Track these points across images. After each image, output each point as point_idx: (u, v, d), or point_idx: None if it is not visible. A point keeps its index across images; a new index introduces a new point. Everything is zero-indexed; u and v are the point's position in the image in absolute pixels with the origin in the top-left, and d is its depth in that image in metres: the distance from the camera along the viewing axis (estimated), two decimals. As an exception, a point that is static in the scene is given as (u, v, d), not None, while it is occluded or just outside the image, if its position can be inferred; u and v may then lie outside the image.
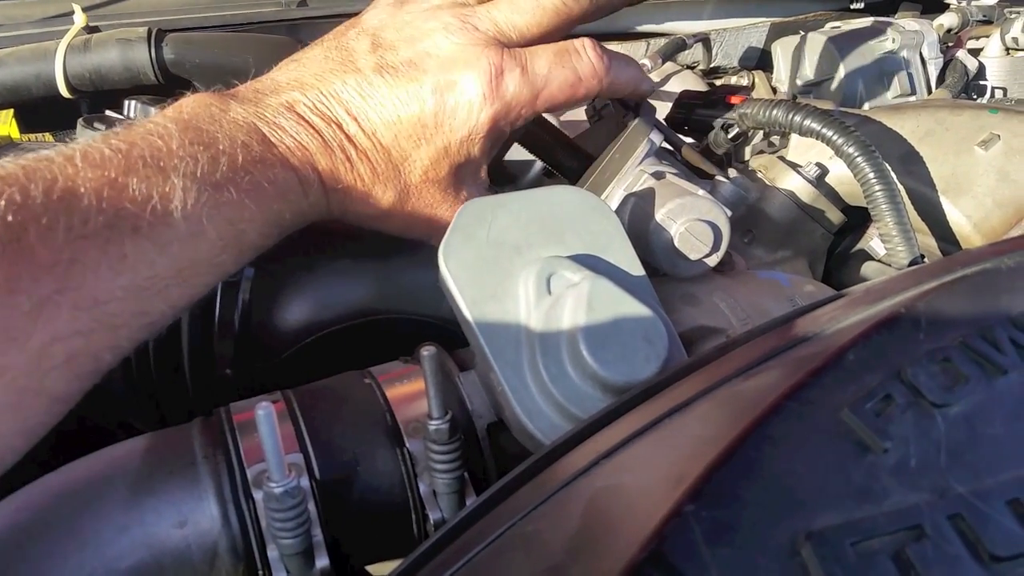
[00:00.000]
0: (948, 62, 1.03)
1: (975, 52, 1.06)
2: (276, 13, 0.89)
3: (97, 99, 0.73)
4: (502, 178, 0.73)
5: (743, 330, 0.44)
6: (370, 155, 0.46)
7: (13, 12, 0.88)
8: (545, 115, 0.63)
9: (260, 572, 0.37)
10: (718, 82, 1.13)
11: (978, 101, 1.02)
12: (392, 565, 0.41)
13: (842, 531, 0.21)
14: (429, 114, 0.45)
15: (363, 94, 0.45)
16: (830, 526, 0.21)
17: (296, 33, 0.91)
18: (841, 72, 0.96)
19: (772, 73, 1.07)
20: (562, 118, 0.83)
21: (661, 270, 0.49)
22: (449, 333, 0.47)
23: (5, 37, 0.79)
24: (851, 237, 0.67)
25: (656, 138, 0.52)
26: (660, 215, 0.48)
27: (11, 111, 0.78)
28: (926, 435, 0.24)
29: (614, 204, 0.51)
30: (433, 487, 0.39)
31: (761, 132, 0.66)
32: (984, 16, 1.09)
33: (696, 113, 0.65)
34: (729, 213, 0.48)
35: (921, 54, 1.00)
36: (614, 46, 1.05)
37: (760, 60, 1.13)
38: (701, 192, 0.48)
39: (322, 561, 0.36)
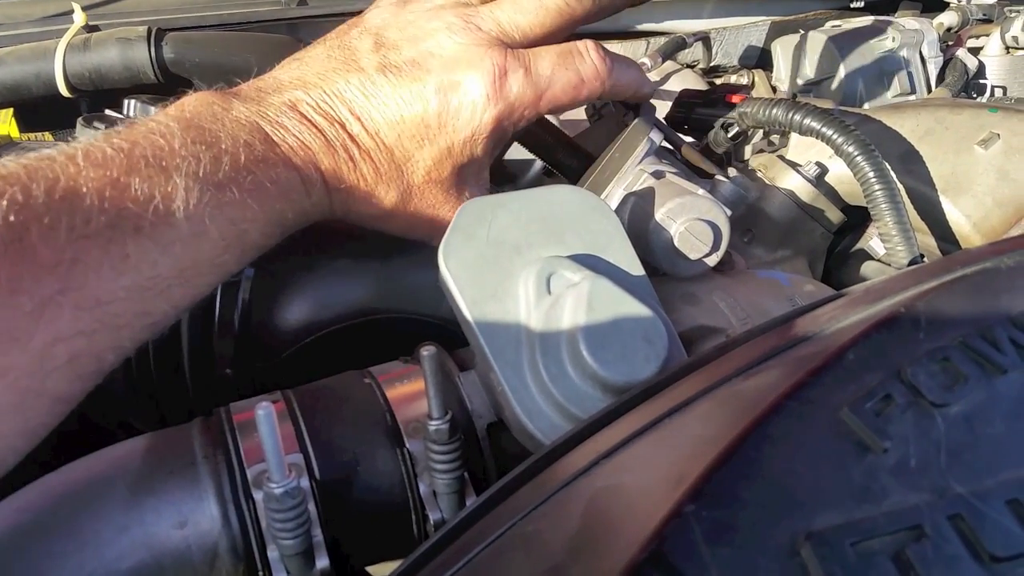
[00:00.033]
0: (948, 61, 1.03)
1: (975, 51, 1.06)
2: (276, 12, 0.89)
3: (97, 98, 0.73)
4: (502, 177, 0.73)
5: (743, 330, 0.44)
6: (373, 155, 0.46)
7: (12, 11, 0.88)
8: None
9: (260, 572, 0.37)
10: (718, 81, 1.13)
11: (978, 100, 1.03)
12: (392, 566, 0.41)
13: (842, 531, 0.21)
14: (432, 114, 0.45)
15: (366, 93, 0.45)
16: (830, 526, 0.21)
17: (295, 32, 0.91)
18: (841, 71, 0.96)
19: (772, 72, 1.07)
20: (562, 117, 0.82)
21: (661, 269, 0.49)
22: (449, 333, 0.47)
23: (5, 36, 0.79)
24: (851, 236, 0.67)
25: (656, 137, 0.52)
26: (660, 214, 0.48)
27: (11, 110, 0.78)
28: (926, 435, 0.24)
29: (614, 203, 0.51)
30: (433, 487, 0.39)
31: (761, 131, 0.66)
32: (984, 15, 1.09)
33: (696, 112, 0.65)
34: (729, 212, 0.48)
35: (921, 53, 1.00)
36: (614, 45, 1.05)
37: (760, 59, 1.13)
38: (701, 191, 0.48)
39: (322, 561, 0.36)
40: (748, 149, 0.71)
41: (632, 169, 0.52)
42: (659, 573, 0.21)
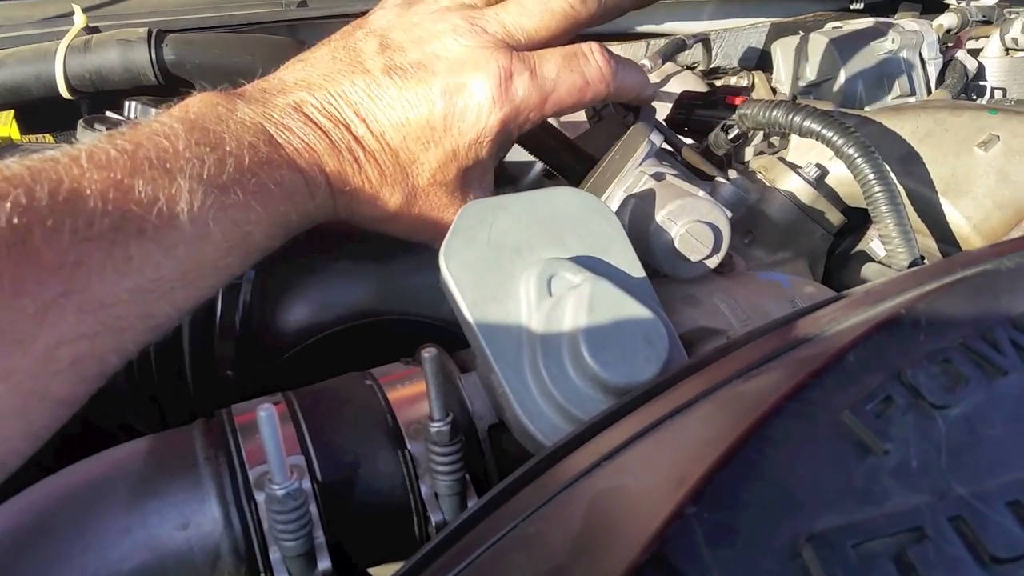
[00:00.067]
0: (948, 62, 1.03)
1: (975, 52, 1.06)
2: (276, 14, 0.89)
3: (97, 100, 0.73)
4: (502, 179, 0.73)
5: (743, 331, 0.44)
6: (378, 157, 0.46)
7: (13, 13, 0.88)
8: (545, 116, 0.63)
9: (262, 574, 0.37)
10: (718, 83, 1.13)
11: (978, 102, 1.03)
12: (394, 567, 0.41)
13: (843, 533, 0.21)
14: (438, 116, 0.45)
15: (372, 95, 0.45)
16: (831, 528, 0.21)
17: (296, 34, 0.91)
18: (841, 73, 0.96)
19: (772, 74, 1.07)
20: (562, 119, 0.83)
21: (661, 271, 0.49)
22: (450, 334, 0.47)
23: (5, 38, 0.79)
24: (851, 238, 0.67)
25: (656, 139, 0.53)
26: (660, 216, 0.48)
27: (12, 112, 0.78)
28: (926, 436, 0.24)
29: (614, 205, 0.51)
30: (434, 489, 0.39)
31: (761, 133, 0.67)
32: (984, 16, 1.10)
33: (696, 114, 0.65)
34: (729, 214, 0.48)
35: (921, 55, 1.01)
36: (614, 47, 1.05)
37: (760, 60, 1.13)
38: (701, 193, 0.48)
39: (324, 563, 0.36)
40: (748, 151, 0.71)
41: (632, 171, 0.52)
42: (660, 574, 0.21)
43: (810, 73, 0.98)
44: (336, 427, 0.40)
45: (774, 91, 1.06)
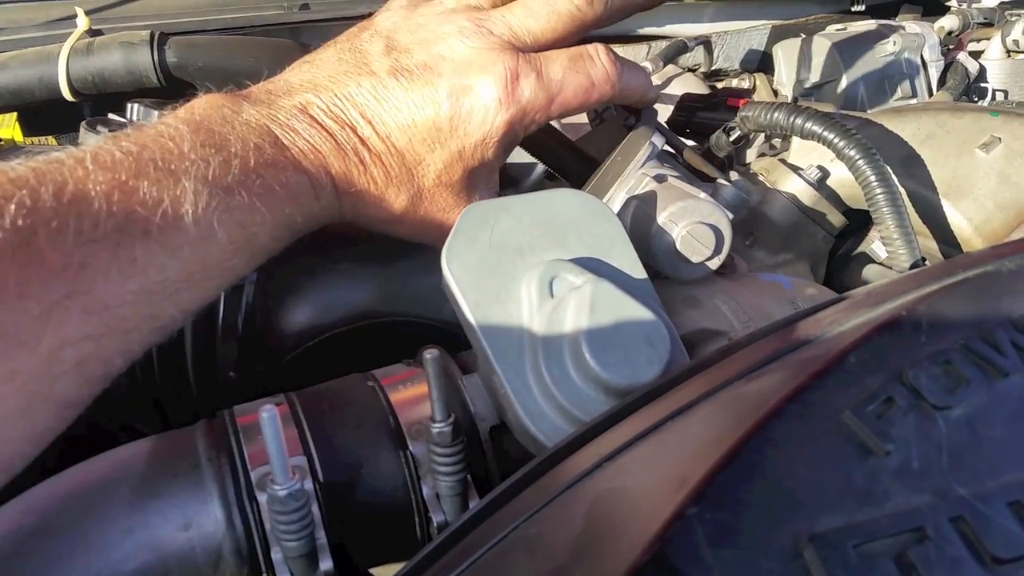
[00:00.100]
0: (949, 65, 1.03)
1: (976, 54, 1.06)
2: (278, 16, 0.89)
3: (100, 102, 0.74)
4: (504, 181, 0.73)
5: (745, 333, 0.44)
6: (384, 158, 0.46)
7: (16, 16, 0.88)
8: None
9: (264, 574, 0.37)
10: (719, 85, 1.13)
11: (979, 104, 1.03)
12: (396, 568, 0.41)
13: (844, 533, 0.21)
14: (444, 118, 0.45)
15: (378, 97, 0.45)
16: (832, 528, 0.22)
17: (298, 36, 0.91)
18: (842, 75, 0.96)
19: (773, 76, 1.07)
20: (564, 121, 0.83)
21: (663, 273, 0.49)
22: (452, 336, 0.47)
23: (8, 40, 0.80)
24: (852, 240, 0.67)
25: (658, 141, 0.53)
26: (662, 218, 0.48)
27: (15, 114, 0.78)
28: (927, 437, 0.24)
29: (616, 207, 0.51)
30: (436, 490, 0.39)
31: (762, 135, 0.67)
32: (985, 18, 1.10)
33: (697, 116, 0.65)
34: (731, 216, 0.48)
35: (922, 57, 1.01)
36: (616, 49, 1.05)
37: (761, 63, 1.13)
38: (703, 195, 0.48)
39: (326, 564, 0.36)
40: (750, 153, 0.71)
41: (634, 173, 0.52)
42: (662, 575, 0.21)
43: (812, 75, 0.98)
44: (338, 428, 0.40)
45: (775, 93, 1.06)
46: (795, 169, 0.62)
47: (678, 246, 0.47)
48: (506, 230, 0.41)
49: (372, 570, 0.41)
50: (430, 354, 0.36)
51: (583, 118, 0.74)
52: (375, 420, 0.41)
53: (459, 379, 0.43)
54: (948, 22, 1.08)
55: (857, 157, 0.52)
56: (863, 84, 0.96)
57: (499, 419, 0.42)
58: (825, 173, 0.61)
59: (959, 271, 0.32)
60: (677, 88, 1.04)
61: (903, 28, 1.00)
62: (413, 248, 0.51)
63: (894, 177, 0.53)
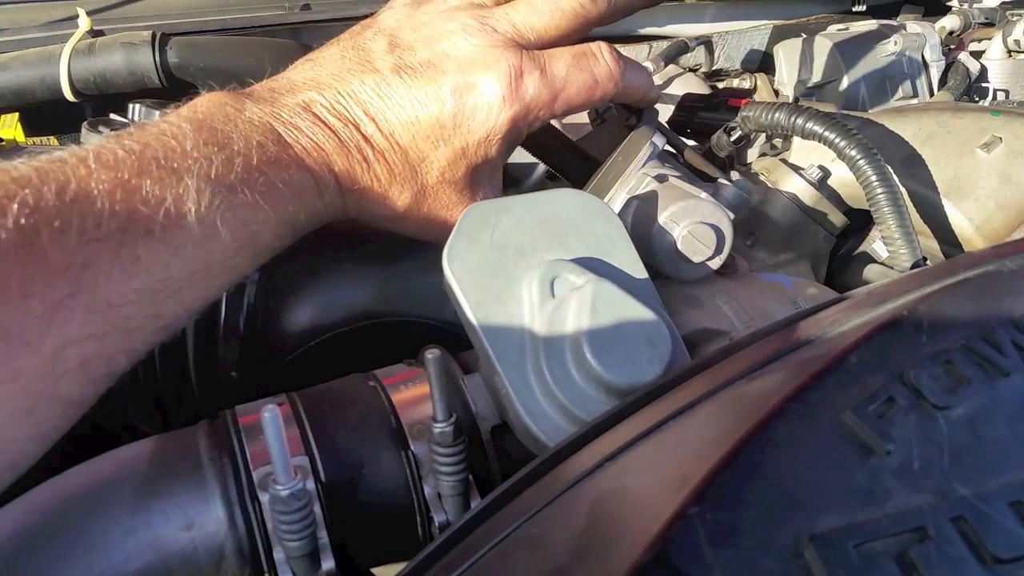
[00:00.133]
0: (950, 64, 1.03)
1: (977, 54, 1.06)
2: (279, 17, 0.89)
3: (101, 103, 0.74)
4: (505, 181, 0.73)
5: (746, 333, 0.44)
6: (387, 156, 0.46)
7: (18, 16, 0.88)
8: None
9: (266, 574, 0.37)
10: (720, 85, 1.13)
11: (980, 103, 1.03)
12: (397, 567, 0.41)
13: (845, 533, 0.21)
14: (448, 115, 0.45)
15: (381, 94, 0.45)
16: (833, 528, 0.22)
17: (300, 37, 0.91)
18: (844, 75, 0.96)
19: (774, 76, 1.07)
20: (564, 121, 0.83)
21: (664, 273, 0.49)
22: (453, 336, 0.47)
23: (10, 41, 0.80)
24: (853, 240, 0.67)
25: (659, 141, 0.53)
26: (663, 218, 0.48)
27: (16, 115, 0.78)
28: (928, 437, 0.24)
29: (617, 207, 0.51)
30: (438, 489, 0.39)
31: (763, 135, 0.67)
32: (986, 18, 1.10)
33: (698, 116, 0.65)
34: (732, 216, 0.48)
35: (923, 57, 1.01)
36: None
37: (762, 63, 1.13)
38: (704, 195, 0.48)
39: (328, 563, 0.36)
40: (751, 153, 0.71)
41: (635, 173, 0.52)
42: (663, 575, 0.21)
43: (813, 75, 0.98)
44: (340, 428, 0.40)
45: (776, 93, 1.06)
46: (796, 169, 0.62)
47: (679, 246, 0.47)
48: (507, 230, 0.41)
49: (374, 570, 0.41)
50: (431, 354, 0.36)
51: (584, 118, 0.74)
52: (377, 420, 0.41)
53: (460, 379, 0.43)
54: (949, 22, 1.08)
55: (858, 157, 0.52)
56: (864, 84, 0.96)
57: (500, 419, 0.42)
58: (826, 173, 0.61)
59: (960, 271, 0.32)
60: (678, 88, 1.04)
61: (904, 28, 1.00)
62: (414, 248, 0.51)
63: (895, 177, 0.53)
